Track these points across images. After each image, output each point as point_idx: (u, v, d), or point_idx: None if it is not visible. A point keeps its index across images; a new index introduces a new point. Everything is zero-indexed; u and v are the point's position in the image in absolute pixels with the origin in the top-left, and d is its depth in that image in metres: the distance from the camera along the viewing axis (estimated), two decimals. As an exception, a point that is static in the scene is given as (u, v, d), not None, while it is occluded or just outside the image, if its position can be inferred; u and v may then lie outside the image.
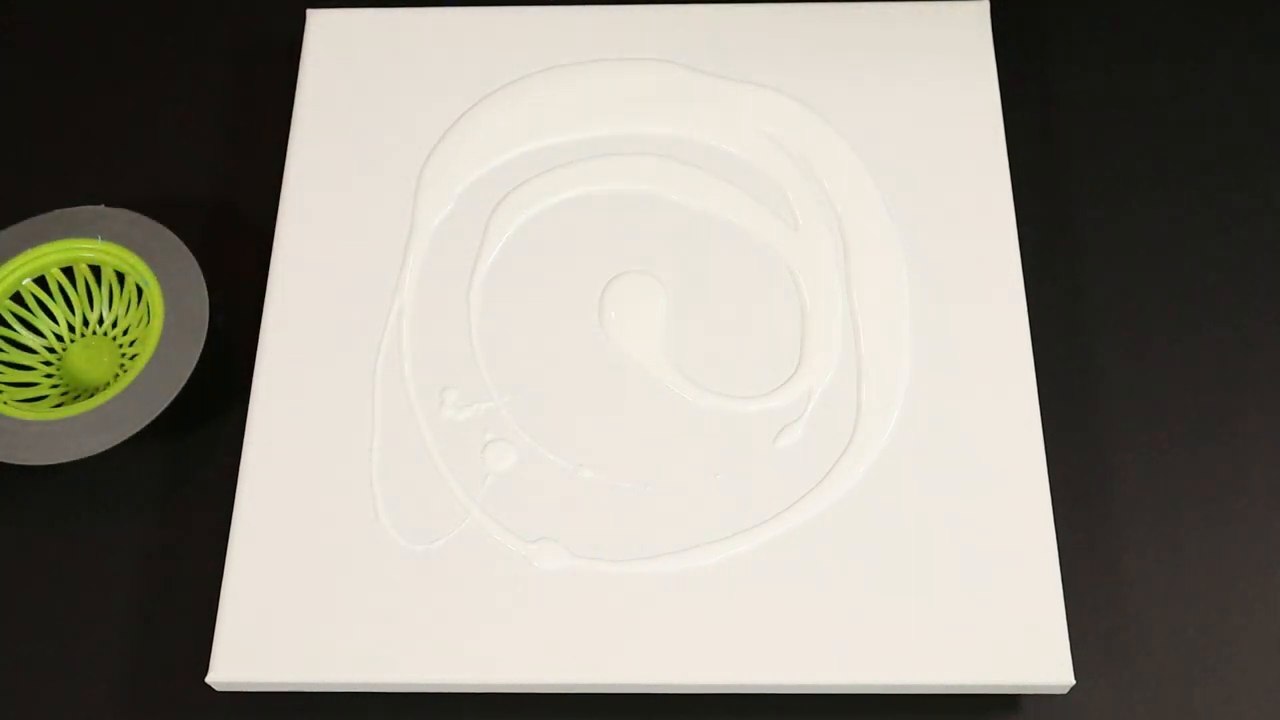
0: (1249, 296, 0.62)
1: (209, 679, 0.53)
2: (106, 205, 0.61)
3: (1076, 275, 0.63)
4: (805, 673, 0.52)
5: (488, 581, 0.54)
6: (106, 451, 0.57)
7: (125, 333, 0.61)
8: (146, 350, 0.58)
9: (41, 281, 0.62)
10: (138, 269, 0.60)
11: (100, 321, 0.62)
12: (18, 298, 0.61)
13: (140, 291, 0.61)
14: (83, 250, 0.61)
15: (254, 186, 0.64)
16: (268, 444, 0.56)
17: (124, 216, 0.61)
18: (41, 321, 0.62)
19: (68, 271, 0.62)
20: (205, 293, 0.59)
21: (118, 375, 0.60)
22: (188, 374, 0.58)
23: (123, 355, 0.61)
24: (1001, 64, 0.64)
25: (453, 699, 0.54)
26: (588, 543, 0.54)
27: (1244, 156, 0.65)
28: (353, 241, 0.61)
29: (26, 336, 0.61)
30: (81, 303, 0.62)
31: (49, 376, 0.61)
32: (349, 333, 0.59)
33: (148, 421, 0.57)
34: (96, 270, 0.62)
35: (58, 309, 0.62)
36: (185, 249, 0.60)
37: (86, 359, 0.61)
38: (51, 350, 0.62)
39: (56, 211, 0.62)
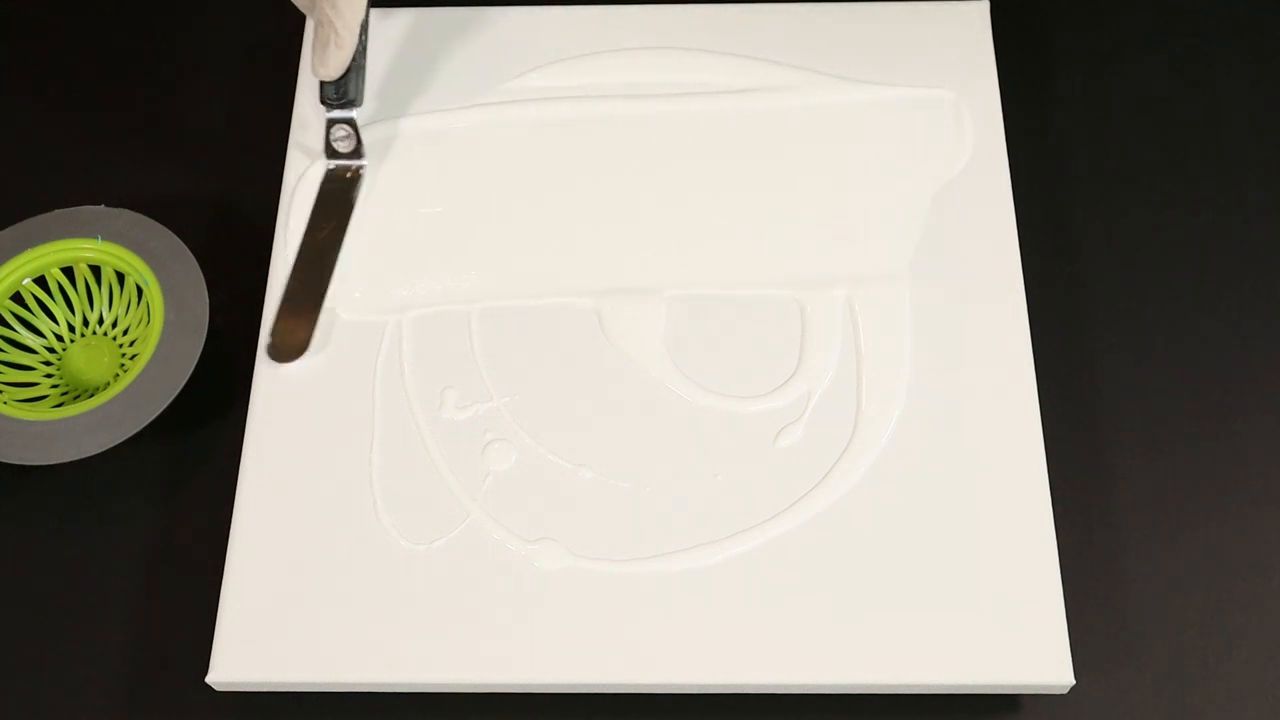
0: (1249, 296, 0.62)
1: (209, 679, 0.53)
2: (106, 205, 0.62)
3: (1076, 275, 0.63)
4: (805, 673, 0.52)
5: (488, 581, 0.54)
6: (106, 451, 0.57)
7: (125, 333, 0.61)
8: (146, 350, 0.58)
9: (41, 281, 0.62)
10: (138, 269, 0.60)
11: (100, 321, 0.62)
12: (18, 298, 0.61)
13: (140, 291, 0.61)
14: (83, 250, 0.61)
15: (254, 186, 0.64)
16: (267, 444, 0.56)
17: (124, 216, 0.61)
18: (41, 321, 0.62)
19: (68, 271, 0.62)
20: (205, 293, 0.59)
21: (118, 375, 0.60)
22: (188, 374, 0.58)
23: (123, 355, 0.61)
24: (1001, 64, 0.64)
25: (453, 699, 0.54)
26: (588, 543, 0.54)
27: (1244, 156, 0.65)
28: (352, 241, 0.61)
29: (26, 336, 0.61)
30: (81, 303, 0.62)
31: (49, 376, 0.61)
32: (349, 333, 0.59)
33: (148, 421, 0.57)
34: (96, 270, 0.62)
35: (58, 309, 0.62)
36: (185, 249, 0.60)
37: (86, 359, 0.61)
38: (51, 350, 0.62)
39: (56, 211, 0.62)
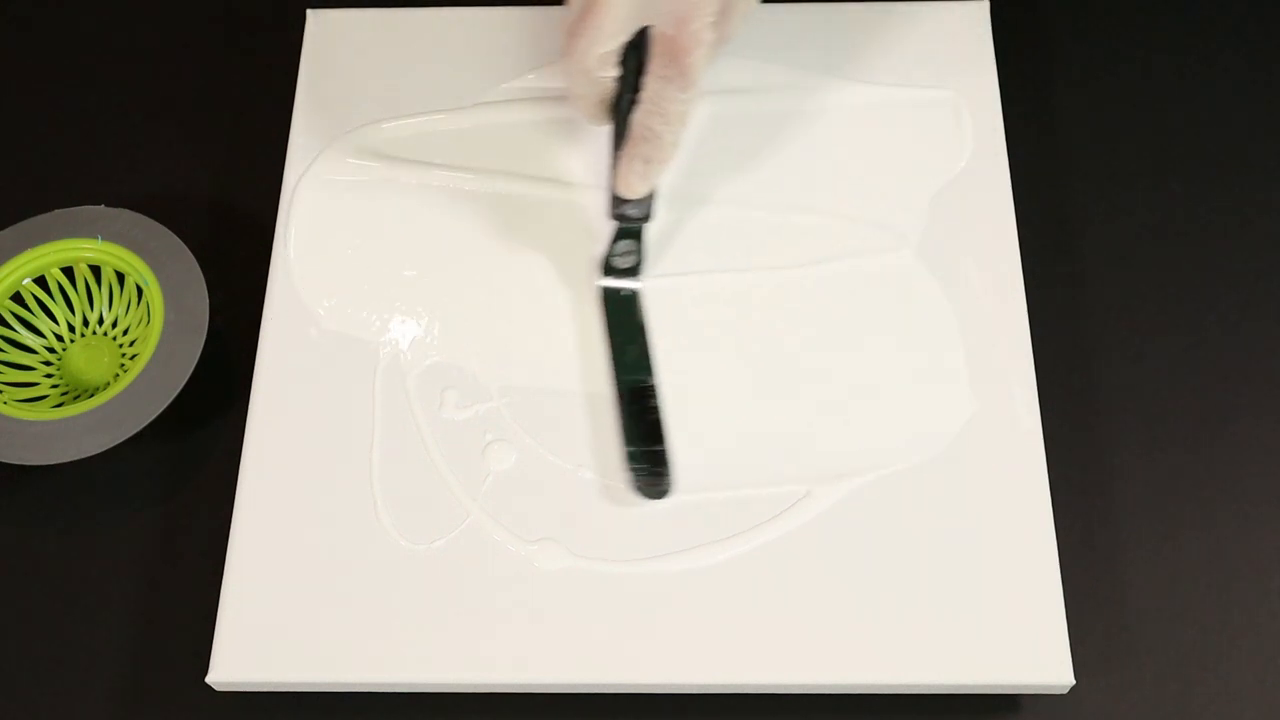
0: (1249, 296, 0.62)
1: (209, 679, 0.53)
2: (106, 205, 0.62)
3: (1076, 275, 0.63)
4: (805, 673, 0.52)
5: (488, 581, 0.54)
6: (106, 451, 0.57)
7: (125, 333, 0.61)
8: (146, 350, 0.58)
9: (41, 281, 0.62)
10: (138, 269, 0.60)
11: (100, 321, 0.62)
12: (18, 298, 0.61)
13: (140, 291, 0.61)
14: (83, 250, 0.61)
15: (254, 186, 0.64)
16: (268, 444, 0.56)
17: (124, 216, 0.61)
18: (41, 321, 0.62)
19: (68, 271, 0.62)
20: (205, 293, 0.59)
21: (118, 375, 0.60)
22: (188, 374, 0.58)
23: (123, 355, 0.61)
24: (1001, 64, 0.64)
25: (453, 699, 0.54)
26: (588, 543, 0.54)
27: (1244, 155, 0.65)
28: (352, 241, 0.61)
29: (26, 336, 0.61)
30: (81, 303, 0.62)
31: (49, 376, 0.61)
32: (349, 333, 0.59)
33: (148, 421, 0.57)
34: (96, 270, 0.62)
35: (58, 309, 0.62)
36: (185, 249, 0.60)
37: (86, 359, 0.61)
38: (51, 350, 0.62)
39: (56, 211, 0.62)
